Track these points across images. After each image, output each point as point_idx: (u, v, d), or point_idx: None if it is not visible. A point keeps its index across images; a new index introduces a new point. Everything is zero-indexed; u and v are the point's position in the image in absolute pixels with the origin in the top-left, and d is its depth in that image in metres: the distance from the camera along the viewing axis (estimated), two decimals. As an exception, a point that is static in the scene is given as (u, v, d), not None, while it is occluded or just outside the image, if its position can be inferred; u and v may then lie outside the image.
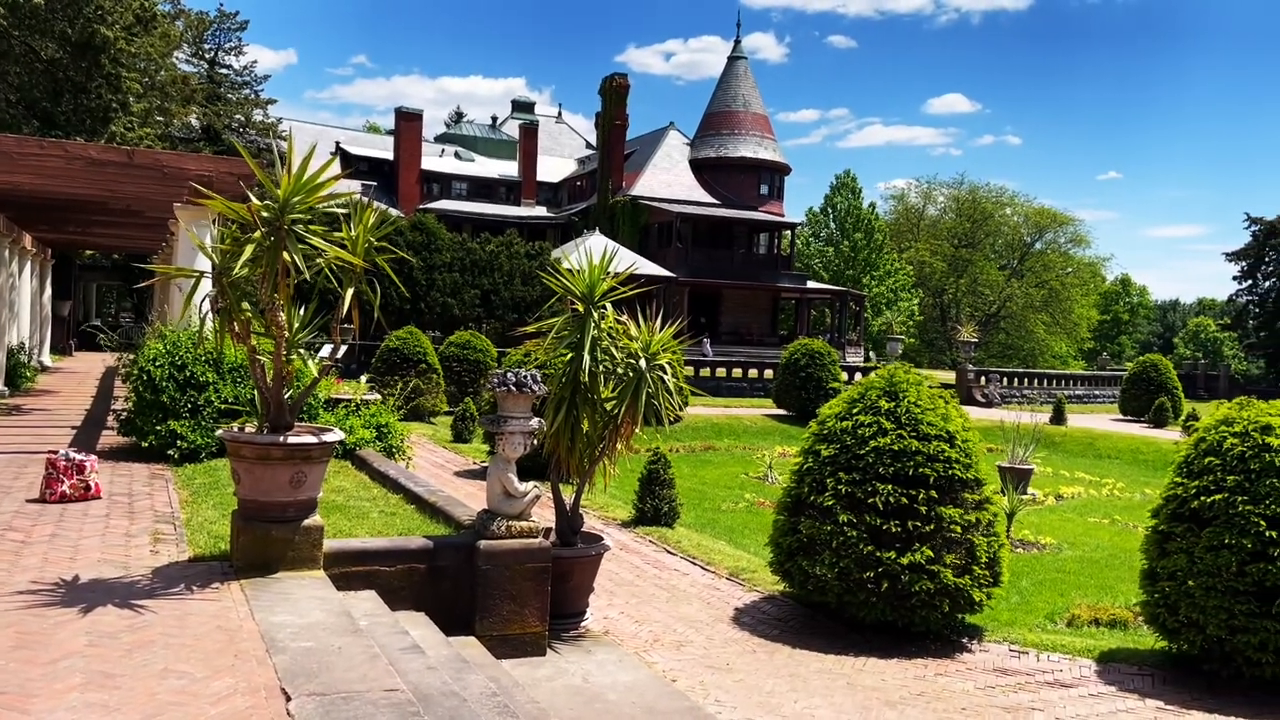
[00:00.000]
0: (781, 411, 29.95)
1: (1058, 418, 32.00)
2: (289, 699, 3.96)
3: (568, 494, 8.01)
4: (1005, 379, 41.94)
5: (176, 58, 43.84)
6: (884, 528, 8.21)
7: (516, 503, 6.92)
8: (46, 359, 26.53)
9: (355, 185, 49.80)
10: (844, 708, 6.86)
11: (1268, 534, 7.20)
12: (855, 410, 8.90)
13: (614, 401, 7.62)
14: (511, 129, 65.59)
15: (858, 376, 33.45)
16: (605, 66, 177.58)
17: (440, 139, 64.45)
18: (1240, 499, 7.40)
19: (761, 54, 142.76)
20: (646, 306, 8.82)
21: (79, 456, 8.13)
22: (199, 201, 8.33)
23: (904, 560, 8.07)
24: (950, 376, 40.77)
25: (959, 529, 8.27)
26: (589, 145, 65.44)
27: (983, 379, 40.00)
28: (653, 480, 12.62)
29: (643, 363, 7.52)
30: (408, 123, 55.58)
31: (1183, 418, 32.19)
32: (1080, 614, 9.53)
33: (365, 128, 79.28)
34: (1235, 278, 66.23)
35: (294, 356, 6.26)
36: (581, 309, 7.53)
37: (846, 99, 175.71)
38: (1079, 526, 15.72)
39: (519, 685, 5.71)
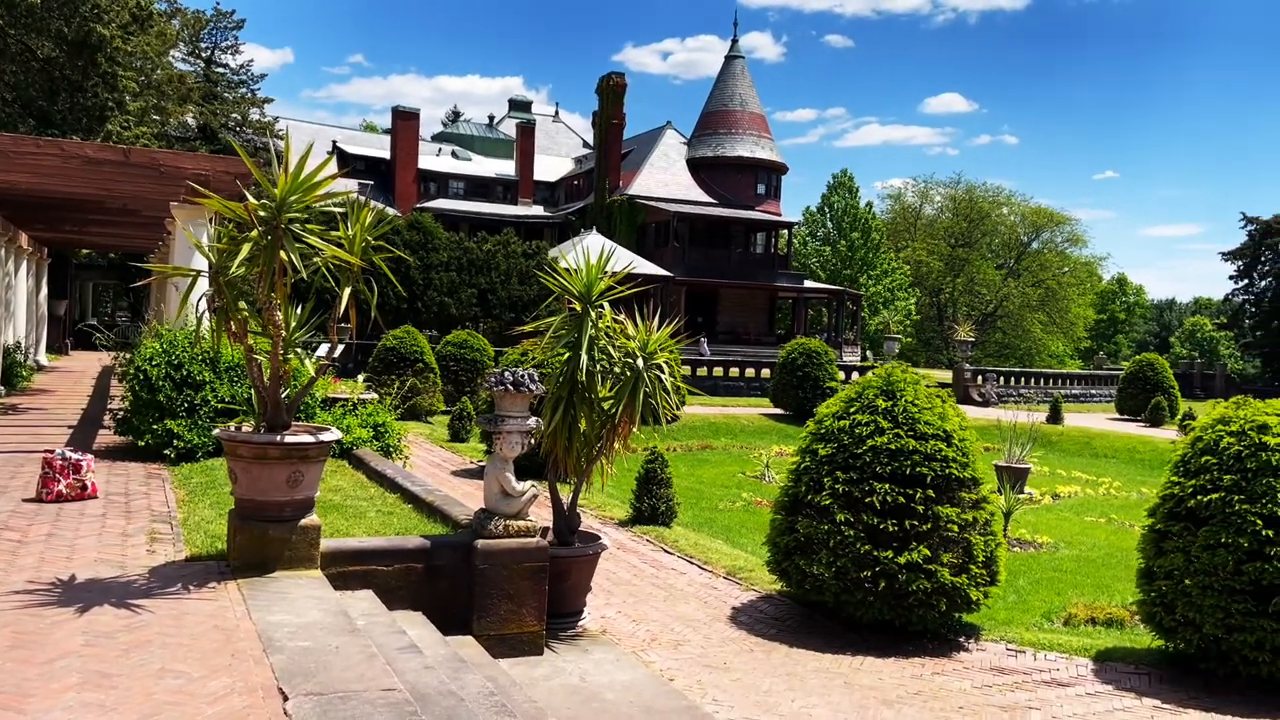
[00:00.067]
0: (778, 411, 29.97)
1: (1054, 417, 32.05)
2: (286, 698, 3.95)
3: (565, 493, 8.00)
4: (1002, 378, 42.00)
5: (173, 56, 43.76)
6: (881, 527, 8.22)
7: (514, 502, 6.92)
8: (43, 358, 26.49)
9: (352, 184, 49.76)
10: (841, 707, 6.87)
11: (1264, 533, 7.22)
12: (852, 409, 8.90)
13: (611, 401, 7.62)
14: (508, 128, 65.57)
15: (855, 376, 33.45)
16: (602, 65, 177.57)
17: (437, 138, 64.41)
18: (1237, 498, 7.42)
19: (759, 53, 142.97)
20: (643, 306, 8.82)
21: (75, 456, 8.12)
22: (196, 200, 8.33)
23: (901, 559, 8.08)
24: (947, 376, 40.81)
25: (956, 528, 8.28)
26: (586, 144, 65.43)
27: (979, 378, 40.04)
28: (650, 479, 12.62)
29: (640, 362, 7.52)
30: (404, 122, 55.52)
31: (1179, 417, 32.27)
32: (1077, 613, 9.55)
33: (362, 127, 79.23)
34: (1231, 277, 66.36)
35: (291, 356, 6.25)
36: (579, 308, 7.53)
37: (843, 98, 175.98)
38: (1076, 525, 15.74)
39: (516, 684, 5.71)
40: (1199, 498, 7.63)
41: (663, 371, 7.67)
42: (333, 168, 6.24)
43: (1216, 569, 7.37)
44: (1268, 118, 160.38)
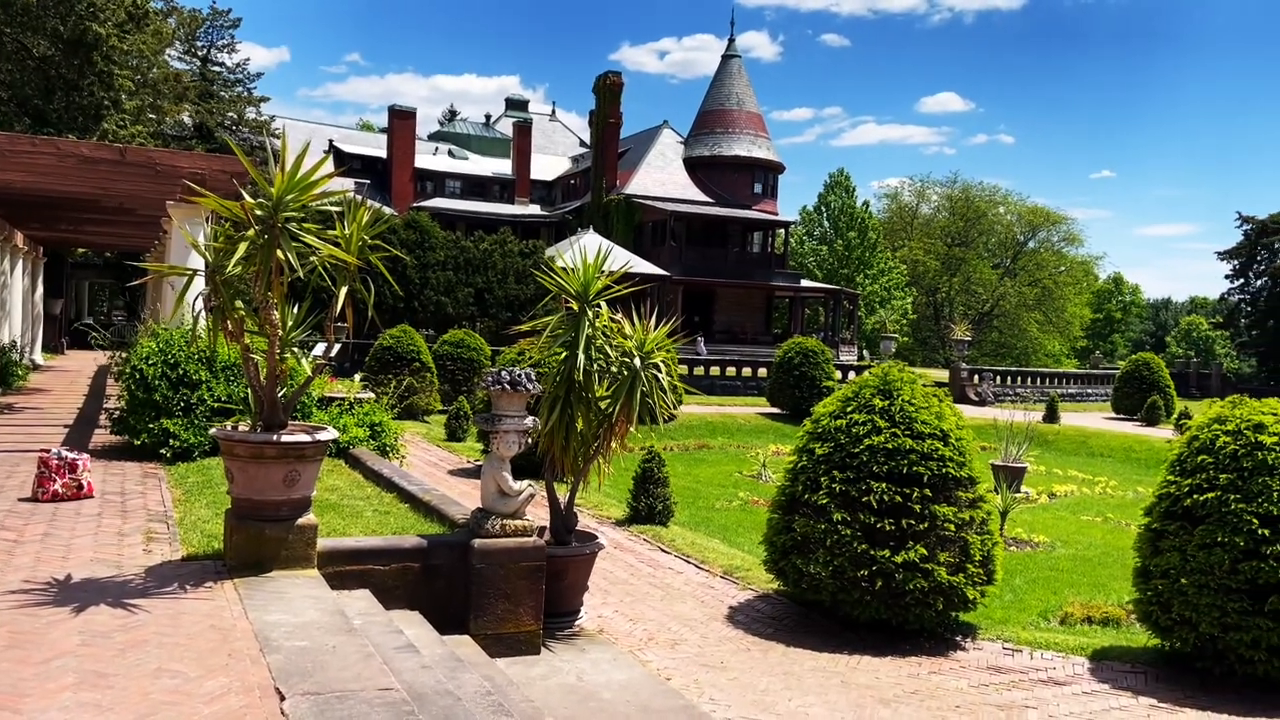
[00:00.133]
0: (775, 410, 29.98)
1: (1051, 416, 32.09)
2: (283, 698, 3.94)
3: (562, 492, 8.00)
4: (998, 377, 42.05)
5: (169, 55, 43.68)
6: (878, 526, 8.22)
7: (511, 501, 6.91)
8: (38, 357, 26.43)
9: (349, 183, 49.68)
10: (838, 706, 6.87)
11: (1260, 532, 7.23)
12: (849, 409, 8.91)
13: (608, 400, 7.62)
14: (505, 127, 65.51)
15: (851, 375, 33.50)
16: (599, 65, 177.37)
17: (434, 137, 64.35)
18: (1233, 497, 7.43)
19: (755, 53, 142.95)
20: (640, 305, 8.82)
21: (71, 455, 8.10)
22: (192, 199, 8.31)
23: (898, 558, 8.08)
24: (944, 375, 40.86)
25: (953, 527, 8.29)
26: (583, 143, 65.39)
27: (976, 377, 40.07)
28: (647, 479, 12.62)
29: (637, 361, 7.52)
30: (401, 121, 55.48)
31: (1175, 416, 32.31)
32: (1073, 612, 9.56)
33: (359, 126, 79.13)
34: (1227, 276, 66.48)
35: (288, 355, 6.24)
36: (576, 307, 7.52)
37: (840, 98, 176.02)
38: (1072, 525, 15.76)
39: (513, 684, 5.70)
40: (1195, 497, 7.64)
41: (660, 371, 7.67)
42: (329, 167, 6.22)
43: (1213, 568, 7.38)
44: (1264, 117, 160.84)
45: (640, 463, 12.77)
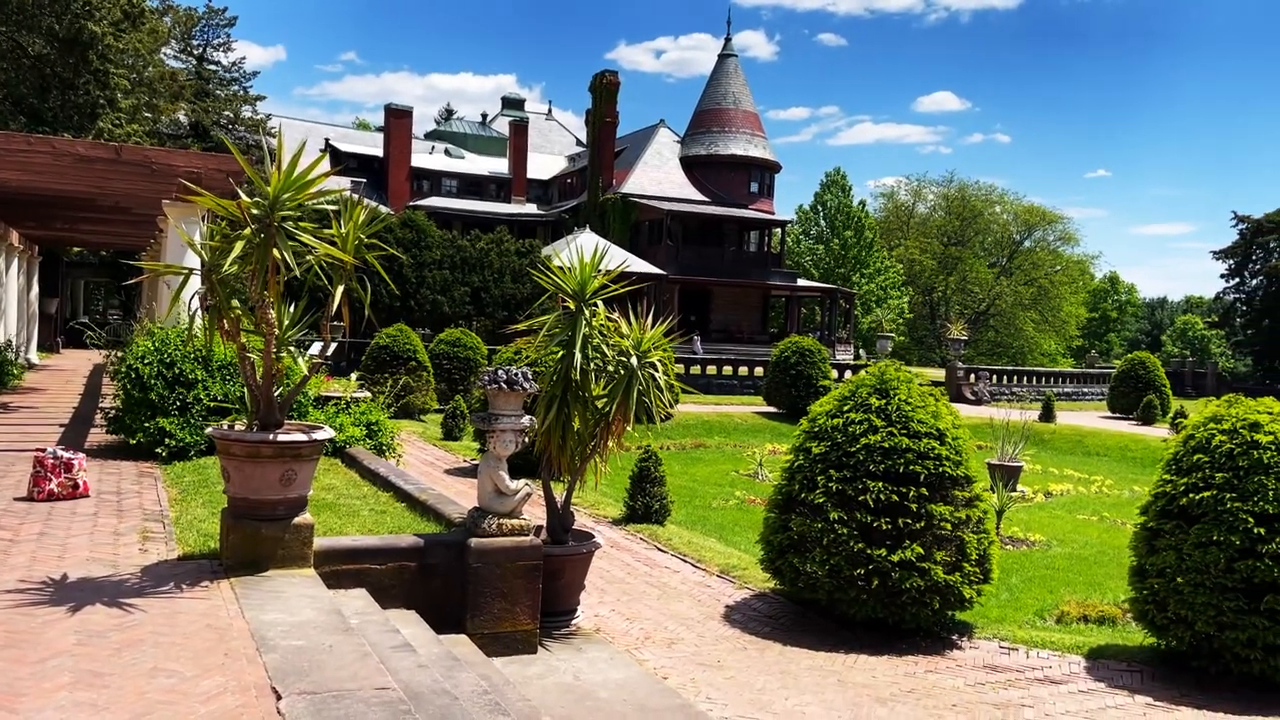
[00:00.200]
0: (772, 409, 29.99)
1: (1047, 415, 32.15)
2: (280, 697, 3.94)
3: (559, 492, 8.00)
4: (994, 376, 42.10)
5: (165, 54, 43.63)
6: (875, 525, 8.23)
7: (508, 500, 6.91)
8: (34, 356, 26.38)
9: (345, 182, 49.61)
10: (835, 705, 6.87)
11: (1256, 531, 7.25)
12: (846, 408, 8.91)
13: (605, 399, 7.61)
14: (502, 126, 65.45)
15: (848, 374, 33.53)
16: (596, 64, 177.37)
17: (430, 136, 64.27)
18: (1229, 496, 7.44)
19: (752, 52, 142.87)
20: (637, 304, 8.82)
21: (67, 454, 8.09)
22: (188, 198, 8.30)
23: (894, 557, 8.09)
24: (940, 374, 40.90)
25: (949, 526, 8.29)
26: (579, 142, 65.36)
27: (972, 376, 40.12)
28: (644, 478, 12.62)
29: (634, 360, 7.52)
30: (397, 120, 55.42)
31: (1170, 415, 32.37)
32: (1069, 611, 9.58)
33: (355, 125, 79.06)
34: (1223, 276, 66.72)
35: (284, 354, 6.23)
36: (573, 306, 7.52)
37: (836, 97, 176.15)
38: (1068, 524, 15.79)
39: (510, 683, 5.70)
40: (1191, 495, 7.66)
41: (656, 370, 7.67)
42: (326, 165, 6.23)
43: (1208, 567, 7.39)
44: (1260, 117, 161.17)
45: (637, 462, 12.77)
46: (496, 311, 37.81)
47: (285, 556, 5.92)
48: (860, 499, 8.31)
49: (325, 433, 6.15)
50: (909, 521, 8.23)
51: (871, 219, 72.63)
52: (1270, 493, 7.32)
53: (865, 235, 68.78)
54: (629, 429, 7.76)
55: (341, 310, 6.06)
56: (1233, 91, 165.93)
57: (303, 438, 5.92)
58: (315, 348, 10.63)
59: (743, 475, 19.49)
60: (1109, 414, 36.43)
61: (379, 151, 56.57)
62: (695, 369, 34.61)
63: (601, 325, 7.66)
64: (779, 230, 55.15)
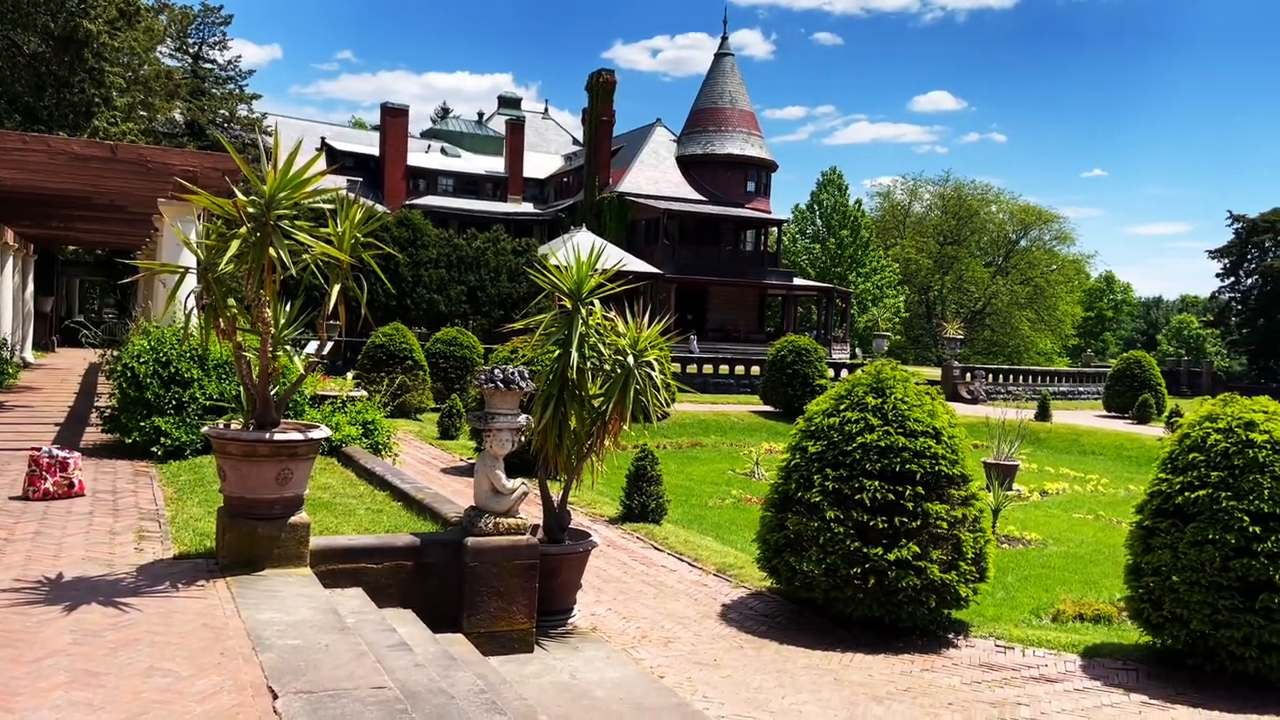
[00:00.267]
0: (768, 408, 30.00)
1: (1043, 414, 32.19)
2: (276, 697, 3.94)
3: (555, 491, 8.00)
4: (990, 375, 42.15)
5: (160, 52, 43.56)
6: (871, 524, 8.24)
7: (504, 499, 6.91)
8: (29, 355, 26.33)
9: (341, 181, 49.51)
10: (831, 703, 6.88)
11: (1251, 529, 7.26)
12: (842, 407, 8.92)
13: (602, 398, 7.61)
14: (498, 125, 65.40)
15: (844, 373, 33.56)
16: (592, 63, 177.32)
17: (426, 135, 64.22)
18: (1224, 494, 7.46)
19: (748, 51, 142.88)
20: (633, 303, 8.82)
21: (62, 453, 8.07)
22: (184, 197, 8.29)
23: (891, 556, 8.10)
24: (936, 373, 40.93)
25: (945, 525, 8.30)
26: (576, 141, 65.35)
27: (968, 375, 40.16)
28: (640, 477, 12.62)
29: (630, 359, 7.51)
30: (394, 118, 55.36)
31: (1166, 414, 32.42)
32: (1065, 609, 9.59)
33: (351, 123, 78.95)
34: (1218, 275, 66.87)
35: (280, 353, 6.23)
36: (569, 305, 7.52)
37: (833, 96, 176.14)
38: (1064, 522, 15.81)
39: (506, 682, 5.70)
40: (1187, 494, 7.67)
41: (653, 369, 7.67)
42: (322, 164, 6.21)
43: (1204, 565, 7.41)
44: (1255, 117, 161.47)
45: (633, 461, 12.77)
46: (493, 310, 37.79)
47: (281, 555, 5.91)
48: (856, 498, 8.32)
49: (321, 432, 6.14)
50: (905, 520, 8.23)
51: (868, 218, 72.66)
52: (1265, 491, 7.34)
53: (861, 234, 68.81)
54: (626, 428, 7.76)
55: (338, 309, 6.05)
56: (1229, 91, 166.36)
57: (299, 436, 5.91)
58: (311, 347, 10.61)
59: (739, 474, 19.50)
60: (1104, 413, 36.48)
61: (375, 150, 56.49)
62: (692, 368, 34.62)
63: (598, 324, 7.66)
64: (775, 229, 55.17)
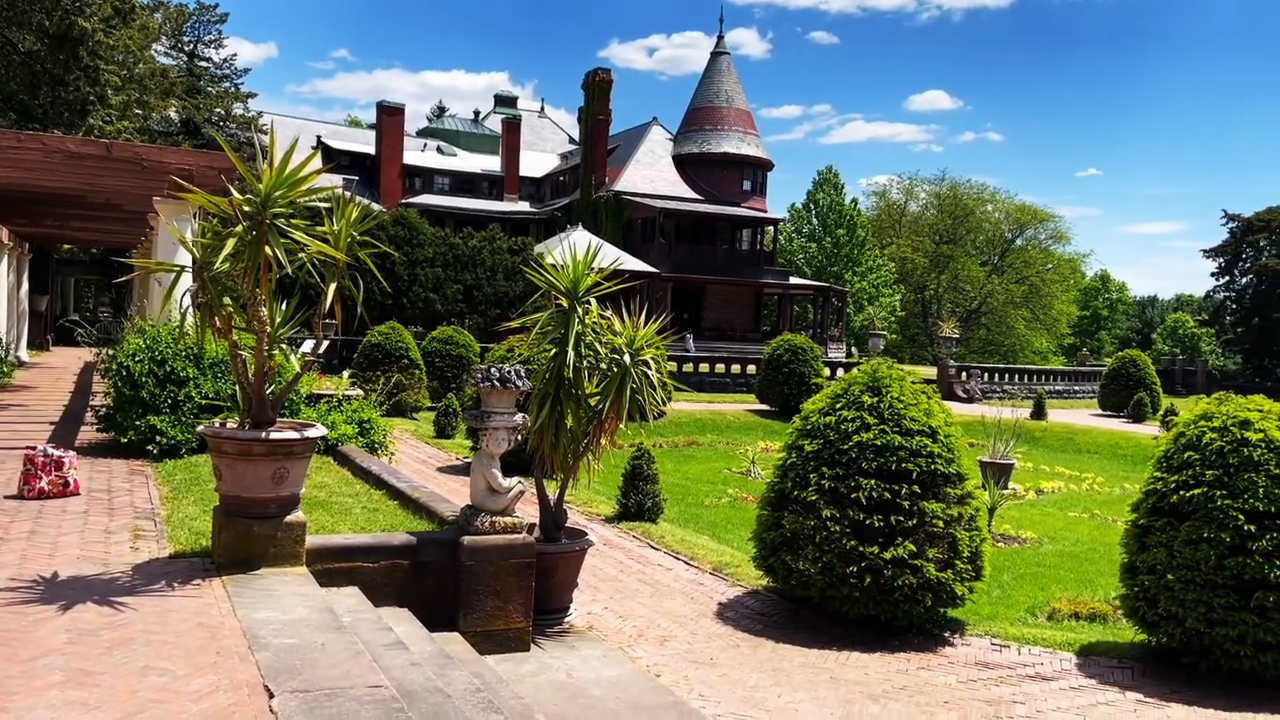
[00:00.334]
0: (764, 407, 30.01)
1: (1038, 413, 32.23)
2: (272, 696, 3.93)
3: (551, 489, 8.00)
4: (986, 374, 42.19)
5: (155, 50, 43.49)
6: (867, 522, 8.24)
7: (500, 498, 6.90)
8: (24, 354, 26.27)
9: (337, 179, 49.45)
10: (827, 702, 6.89)
11: (1246, 528, 7.28)
12: (838, 405, 8.92)
13: (598, 397, 7.61)
14: (494, 123, 65.35)
15: (840, 372, 33.58)
16: (588, 61, 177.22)
17: (422, 133, 64.15)
18: (1219, 493, 7.47)
19: (744, 50, 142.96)
20: (630, 302, 8.82)
21: (57, 452, 8.05)
22: (179, 195, 8.27)
23: (887, 555, 8.11)
24: (932, 372, 40.97)
25: (941, 523, 8.31)
26: (572, 140, 65.30)
27: (964, 374, 40.20)
28: (636, 475, 12.62)
29: (627, 358, 7.52)
30: (389, 117, 55.28)
31: (1161, 413, 32.50)
32: (1061, 608, 9.61)
33: (347, 122, 78.86)
34: (1213, 274, 67.04)
35: (276, 352, 6.22)
36: (565, 304, 7.52)
37: (829, 95, 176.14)
38: (1059, 521, 15.83)
39: (503, 681, 5.70)
40: (1182, 493, 7.69)
41: (649, 367, 7.67)
42: (318, 163, 6.21)
43: (1199, 563, 7.42)
44: (1250, 116, 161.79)
45: (630, 459, 12.77)
46: (489, 309, 37.77)
47: (277, 555, 5.90)
48: (853, 496, 8.33)
49: (317, 430, 6.14)
50: (901, 519, 8.24)
51: (864, 217, 72.70)
52: (1260, 490, 7.36)
53: (857, 233, 68.85)
54: (622, 426, 7.77)
55: (334, 308, 6.04)
56: (1223, 91, 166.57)
57: (295, 435, 5.91)
58: (307, 345, 10.60)
59: (735, 473, 19.51)
60: (1100, 412, 36.54)
61: (371, 149, 56.42)
62: (688, 367, 34.63)
63: (594, 323, 7.66)
64: (771, 228, 55.19)
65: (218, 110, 51.21)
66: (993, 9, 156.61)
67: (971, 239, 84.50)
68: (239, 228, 5.59)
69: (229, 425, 6.09)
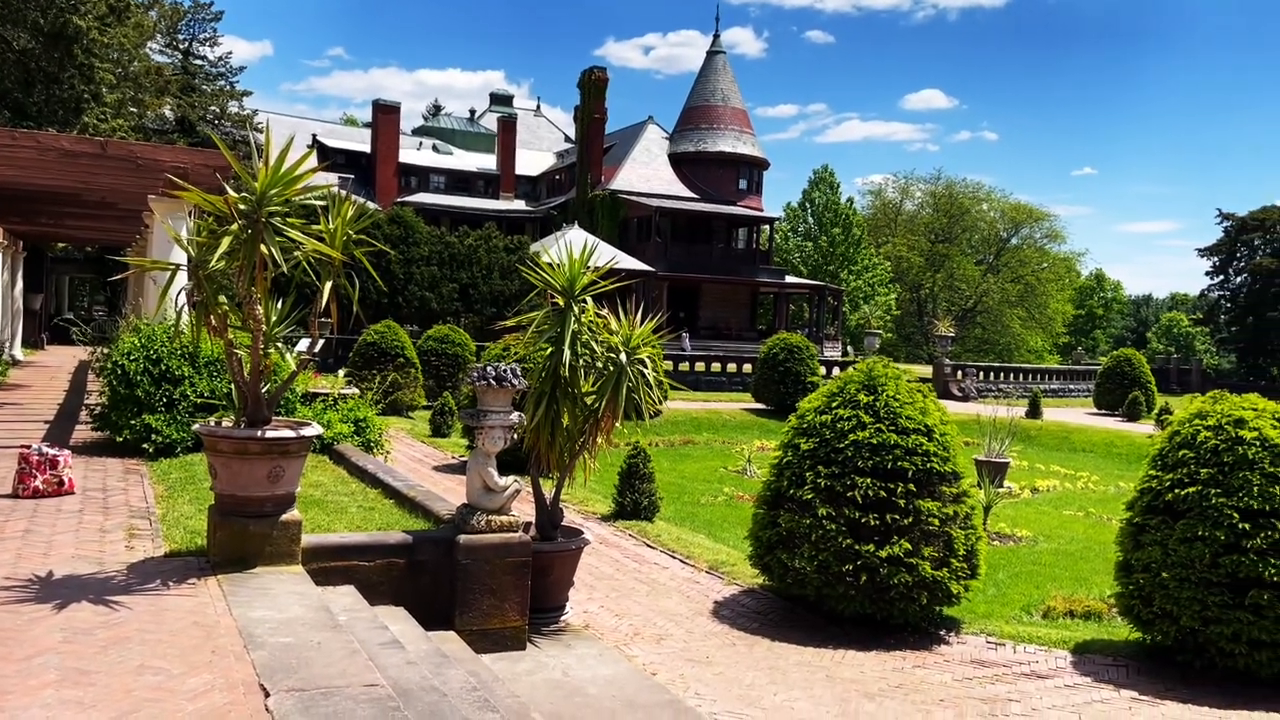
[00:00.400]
0: (760, 406, 30.03)
1: (1033, 412, 32.29)
2: (268, 695, 3.93)
3: (548, 488, 7.99)
4: (981, 373, 42.24)
5: (150, 48, 43.40)
6: (863, 521, 8.25)
7: (496, 497, 6.90)
8: (18, 353, 26.21)
9: (332, 178, 49.38)
10: (823, 700, 6.89)
11: (1240, 526, 7.30)
12: (834, 404, 8.93)
13: (594, 396, 7.61)
14: (490, 122, 65.29)
15: (835, 371, 33.59)
16: (584, 60, 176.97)
17: (418, 132, 64.05)
18: (1214, 491, 7.49)
19: (740, 49, 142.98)
20: (626, 301, 8.81)
21: (52, 451, 8.04)
22: (174, 193, 8.25)
23: (882, 553, 8.11)
24: (927, 371, 41.01)
25: (937, 522, 8.32)
26: (568, 139, 65.28)
27: (959, 373, 40.25)
28: (632, 474, 12.62)
29: (623, 357, 7.51)
30: (385, 115, 55.23)
31: (1156, 411, 32.57)
32: (1056, 606, 9.63)
33: (342, 120, 78.76)
34: (1207, 273, 67.10)
35: (271, 350, 6.21)
36: (562, 303, 7.51)
37: (825, 94, 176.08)
38: (1054, 519, 15.86)
39: (499, 680, 5.70)
40: (1176, 491, 7.71)
41: (645, 366, 7.67)
42: (313, 161, 6.20)
43: (1194, 562, 7.44)
44: (1245, 115, 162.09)
45: (626, 458, 12.77)
46: (485, 308, 37.73)
47: (273, 553, 5.90)
48: (848, 495, 8.33)
49: (313, 429, 6.13)
50: (897, 517, 8.25)
51: (859, 216, 72.74)
52: (1255, 488, 7.38)
53: (853, 232, 68.88)
54: (618, 425, 7.77)
55: (329, 307, 6.03)
56: (1218, 90, 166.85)
57: (290, 434, 5.90)
58: (303, 344, 10.60)
59: (731, 472, 19.52)
60: (1095, 410, 36.61)
61: (366, 147, 56.36)
62: (684, 366, 34.63)
63: (590, 322, 7.65)
64: (767, 227, 55.20)
65: (213, 108, 51.12)
66: (988, 8, 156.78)
67: (967, 238, 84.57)
68: (234, 226, 5.58)
69: (224, 424, 6.08)
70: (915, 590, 8.18)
